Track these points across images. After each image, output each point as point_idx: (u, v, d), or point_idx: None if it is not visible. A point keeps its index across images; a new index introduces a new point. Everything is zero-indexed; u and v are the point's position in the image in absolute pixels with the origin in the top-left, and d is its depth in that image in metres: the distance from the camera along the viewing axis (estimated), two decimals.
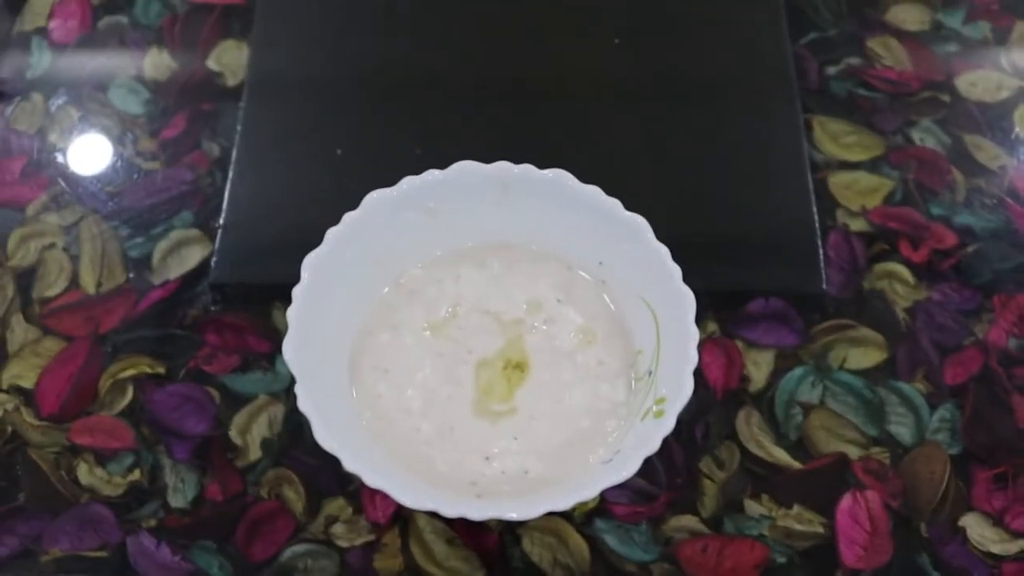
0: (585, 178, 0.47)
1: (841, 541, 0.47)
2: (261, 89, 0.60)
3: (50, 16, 0.64)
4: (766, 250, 0.55)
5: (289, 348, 0.43)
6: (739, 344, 0.52)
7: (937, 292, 0.54)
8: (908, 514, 0.48)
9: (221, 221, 0.55)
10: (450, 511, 0.41)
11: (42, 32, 0.63)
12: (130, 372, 0.51)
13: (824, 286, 0.54)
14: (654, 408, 0.44)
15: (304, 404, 0.42)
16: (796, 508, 0.48)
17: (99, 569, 0.46)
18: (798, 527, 0.48)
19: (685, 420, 0.50)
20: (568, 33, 0.63)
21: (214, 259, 0.54)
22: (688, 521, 0.48)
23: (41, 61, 0.62)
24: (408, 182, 0.47)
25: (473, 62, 0.61)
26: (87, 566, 0.46)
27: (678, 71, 0.61)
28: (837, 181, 0.57)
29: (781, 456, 0.49)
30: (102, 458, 0.49)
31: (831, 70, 0.62)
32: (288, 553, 0.47)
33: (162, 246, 0.55)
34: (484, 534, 0.47)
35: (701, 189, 0.56)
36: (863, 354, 0.52)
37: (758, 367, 0.52)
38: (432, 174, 0.47)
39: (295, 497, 0.48)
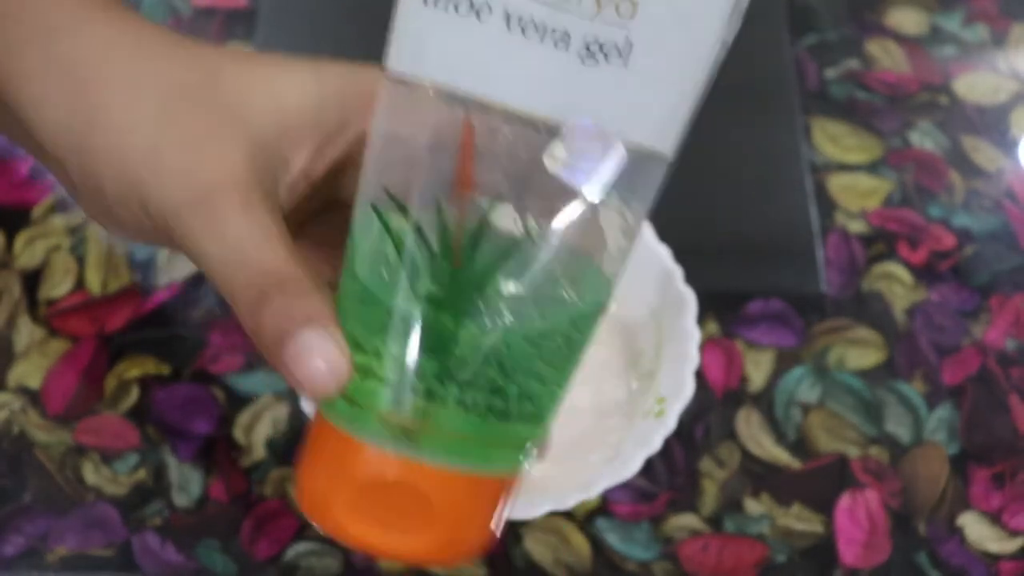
0: None
1: (840, 540, 0.48)
2: None
3: None
4: (766, 251, 0.55)
5: None
6: (739, 344, 0.52)
7: (935, 293, 0.54)
8: (907, 513, 0.48)
9: None
10: None
11: None
12: (135, 372, 0.51)
13: (823, 287, 0.54)
14: (655, 408, 0.45)
15: (307, 404, 0.42)
16: (795, 507, 0.49)
17: (104, 567, 0.47)
18: (798, 526, 0.48)
19: (686, 420, 0.50)
20: None
21: None
22: (689, 520, 0.48)
23: None
24: None
25: None
26: (93, 564, 0.47)
27: None
28: (836, 183, 0.58)
29: (781, 455, 0.50)
30: (107, 457, 0.49)
31: (830, 73, 0.62)
32: (292, 552, 0.47)
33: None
34: None
35: (702, 190, 0.57)
36: (862, 354, 0.52)
37: (758, 367, 0.52)
38: None
39: None
